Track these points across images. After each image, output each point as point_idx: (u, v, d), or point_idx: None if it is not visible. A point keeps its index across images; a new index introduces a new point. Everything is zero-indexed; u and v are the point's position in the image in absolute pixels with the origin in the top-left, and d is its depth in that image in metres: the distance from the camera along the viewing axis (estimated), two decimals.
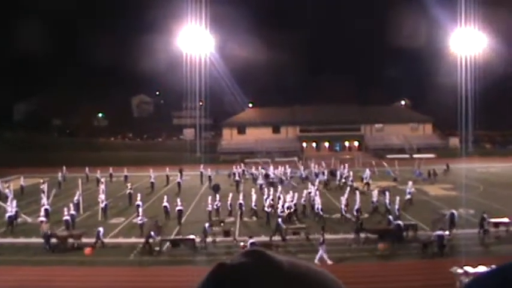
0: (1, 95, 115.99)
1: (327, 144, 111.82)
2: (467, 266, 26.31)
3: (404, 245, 33.94)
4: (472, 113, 78.80)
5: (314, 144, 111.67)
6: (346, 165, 65.70)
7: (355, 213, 40.67)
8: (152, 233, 34.40)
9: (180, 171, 64.58)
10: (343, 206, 41.87)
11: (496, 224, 36.45)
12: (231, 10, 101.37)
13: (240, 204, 44.12)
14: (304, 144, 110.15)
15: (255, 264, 1.28)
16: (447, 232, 33.60)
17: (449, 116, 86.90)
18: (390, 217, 37.14)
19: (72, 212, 40.64)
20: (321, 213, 41.40)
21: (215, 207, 42.95)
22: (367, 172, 60.89)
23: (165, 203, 43.52)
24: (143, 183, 62.09)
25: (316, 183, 53.53)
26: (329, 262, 30.53)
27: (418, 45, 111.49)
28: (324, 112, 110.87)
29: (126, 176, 66.62)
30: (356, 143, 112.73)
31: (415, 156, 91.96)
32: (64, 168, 68.74)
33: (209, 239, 35.01)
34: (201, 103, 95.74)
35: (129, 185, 54.11)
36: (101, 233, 35.22)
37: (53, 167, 70.77)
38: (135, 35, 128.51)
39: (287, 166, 68.42)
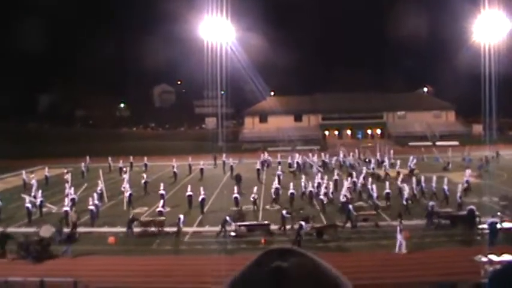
0: (25, 88, 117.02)
1: (349, 132, 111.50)
2: (491, 255, 26.23)
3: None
4: (495, 100, 78.07)
5: (336, 132, 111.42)
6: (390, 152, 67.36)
7: (404, 202, 40.36)
8: (228, 218, 35.07)
9: (215, 159, 65.45)
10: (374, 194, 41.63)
11: None
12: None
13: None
14: (327, 133, 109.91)
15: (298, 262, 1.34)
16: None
17: (473, 103, 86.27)
18: (431, 203, 37.12)
19: (96, 202, 40.98)
20: (376, 201, 40.81)
21: (237, 195, 43.15)
22: (412, 159, 61.12)
23: (189, 192, 43.78)
24: (165, 173, 62.43)
25: (364, 171, 53.66)
26: (404, 251, 30.62)
27: (440, 31, 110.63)
28: (346, 100, 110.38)
29: (145, 165, 67.04)
30: (378, 131, 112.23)
31: (437, 143, 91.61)
32: (87, 158, 69.23)
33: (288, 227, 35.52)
34: (222, 92, 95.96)
35: (144, 175, 54.57)
36: (181, 221, 35.48)
37: (76, 158, 71.23)
38: (157, 25, 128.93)
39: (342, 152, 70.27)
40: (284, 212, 36.04)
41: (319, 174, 51.35)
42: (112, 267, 29.28)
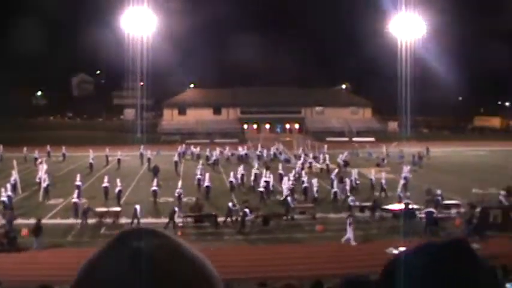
0: None
1: (267, 126, 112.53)
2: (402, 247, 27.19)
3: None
4: (410, 98, 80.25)
5: (255, 126, 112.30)
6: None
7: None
8: (176, 208, 35.35)
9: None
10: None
11: (448, 206, 38.18)
12: None
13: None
14: (245, 126, 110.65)
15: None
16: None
17: (389, 101, 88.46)
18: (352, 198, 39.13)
19: (9, 193, 40.22)
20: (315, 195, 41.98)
21: (155, 188, 43.08)
22: (347, 153, 63.87)
23: (105, 183, 43.51)
24: (83, 163, 61.66)
25: (298, 165, 55.57)
26: (353, 243, 31.31)
27: (359, 29, 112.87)
28: (266, 94, 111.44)
29: (64, 155, 66.18)
30: (297, 126, 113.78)
31: (354, 139, 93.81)
32: (1, 147, 67.73)
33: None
34: (141, 83, 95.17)
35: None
36: (138, 211, 35.20)
37: None
38: (76, 14, 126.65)
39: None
40: (230, 204, 36.39)
41: (256, 165, 53.17)
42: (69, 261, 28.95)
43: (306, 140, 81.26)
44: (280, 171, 49.61)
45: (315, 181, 43.48)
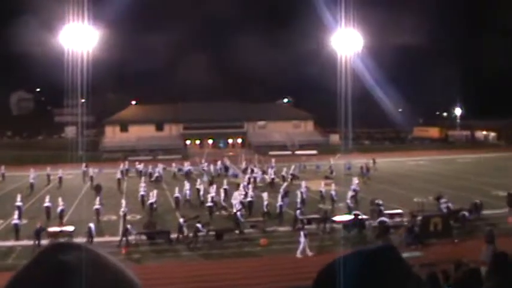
0: None
1: (210, 141, 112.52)
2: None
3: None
4: (351, 111, 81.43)
5: (198, 142, 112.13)
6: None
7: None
8: (129, 226, 34.89)
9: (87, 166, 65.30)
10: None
11: (391, 216, 38.80)
12: (117, 4, 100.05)
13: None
14: (188, 142, 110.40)
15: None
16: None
17: (330, 114, 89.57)
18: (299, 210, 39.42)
19: None
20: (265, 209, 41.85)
21: (98, 207, 42.58)
22: (294, 167, 64.34)
23: (47, 203, 42.86)
24: (23, 183, 60.56)
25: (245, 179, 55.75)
26: (299, 255, 31.40)
27: (299, 44, 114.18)
28: (208, 109, 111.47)
29: (3, 175, 65.11)
30: (239, 140, 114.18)
31: (297, 152, 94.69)
32: None
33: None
34: (82, 100, 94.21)
35: None
36: (93, 230, 34.77)
37: None
38: (15, 29, 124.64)
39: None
40: (181, 220, 36.19)
41: (202, 181, 52.98)
42: None
43: (254, 154, 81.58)
44: (225, 187, 49.73)
45: (265, 195, 43.58)
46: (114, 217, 41.58)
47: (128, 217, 41.03)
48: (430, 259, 26.45)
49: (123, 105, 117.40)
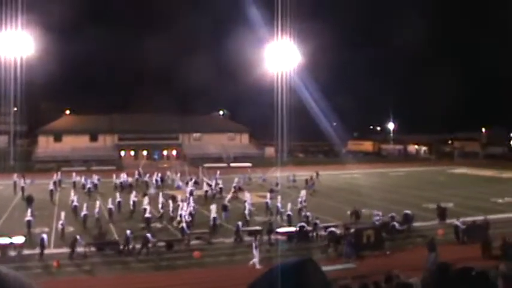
0: None
1: (145, 152, 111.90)
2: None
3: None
4: (286, 125, 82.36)
5: (132, 153, 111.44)
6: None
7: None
8: (78, 237, 34.37)
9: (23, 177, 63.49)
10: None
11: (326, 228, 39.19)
12: (51, 11, 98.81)
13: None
14: (122, 153, 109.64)
15: None
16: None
17: (265, 127, 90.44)
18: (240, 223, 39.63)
19: None
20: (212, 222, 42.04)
21: (29, 218, 41.83)
22: (238, 179, 64.96)
23: None
24: None
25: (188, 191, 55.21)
26: (258, 266, 31.44)
27: (235, 57, 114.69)
28: (143, 121, 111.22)
29: None
30: (174, 152, 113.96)
31: (232, 165, 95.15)
32: None
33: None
34: (15, 109, 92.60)
35: None
36: (45, 241, 34.10)
37: None
38: None
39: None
40: (128, 232, 35.92)
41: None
42: None
43: (186, 167, 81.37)
44: (162, 199, 49.61)
45: (213, 207, 43.86)
46: (46, 229, 40.76)
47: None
48: (362, 271, 27.22)
49: (56, 114, 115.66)
